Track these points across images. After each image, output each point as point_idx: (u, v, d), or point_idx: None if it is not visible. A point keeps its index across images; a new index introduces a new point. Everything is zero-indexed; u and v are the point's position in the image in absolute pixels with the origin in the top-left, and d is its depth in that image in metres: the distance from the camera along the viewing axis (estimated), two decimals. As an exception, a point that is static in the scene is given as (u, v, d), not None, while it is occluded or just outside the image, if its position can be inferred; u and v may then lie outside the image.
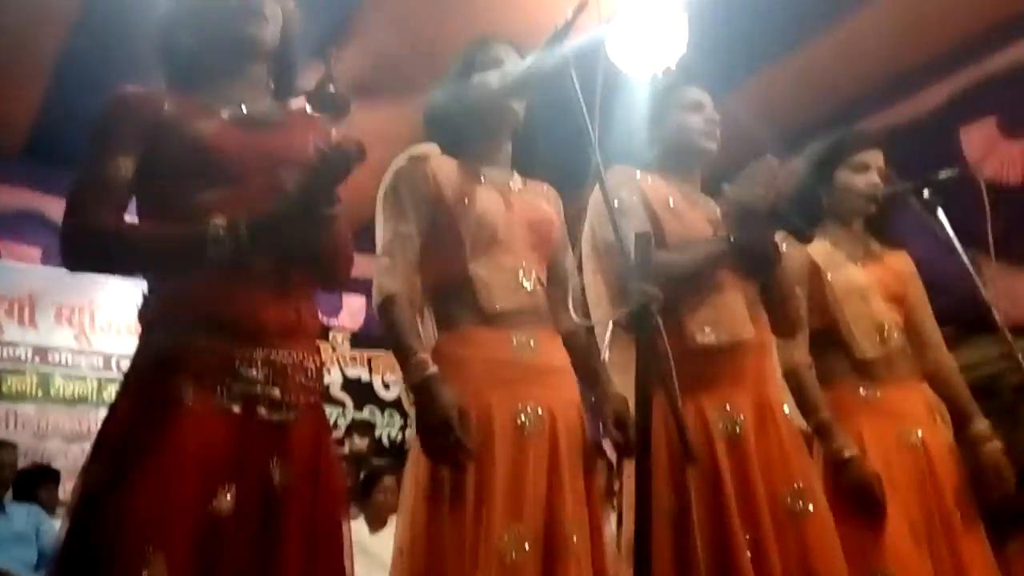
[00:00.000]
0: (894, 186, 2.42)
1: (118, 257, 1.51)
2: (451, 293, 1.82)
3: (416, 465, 1.74)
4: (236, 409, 1.43)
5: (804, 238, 2.00)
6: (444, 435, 1.61)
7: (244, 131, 1.57)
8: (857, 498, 2.11)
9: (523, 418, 1.72)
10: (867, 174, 2.40)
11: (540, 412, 1.74)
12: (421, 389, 1.66)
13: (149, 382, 1.43)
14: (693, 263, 1.94)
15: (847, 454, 2.13)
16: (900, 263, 2.47)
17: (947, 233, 2.28)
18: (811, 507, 1.84)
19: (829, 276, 2.32)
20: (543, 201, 2.00)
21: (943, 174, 2.34)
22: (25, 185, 5.44)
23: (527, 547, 1.60)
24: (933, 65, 4.70)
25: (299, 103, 1.76)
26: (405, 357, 1.70)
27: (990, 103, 4.51)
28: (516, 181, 1.98)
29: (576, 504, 1.70)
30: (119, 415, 1.43)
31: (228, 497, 1.38)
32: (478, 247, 1.82)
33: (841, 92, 4.83)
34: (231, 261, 1.42)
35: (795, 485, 1.85)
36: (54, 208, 5.44)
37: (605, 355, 1.53)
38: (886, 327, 2.32)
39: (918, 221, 2.38)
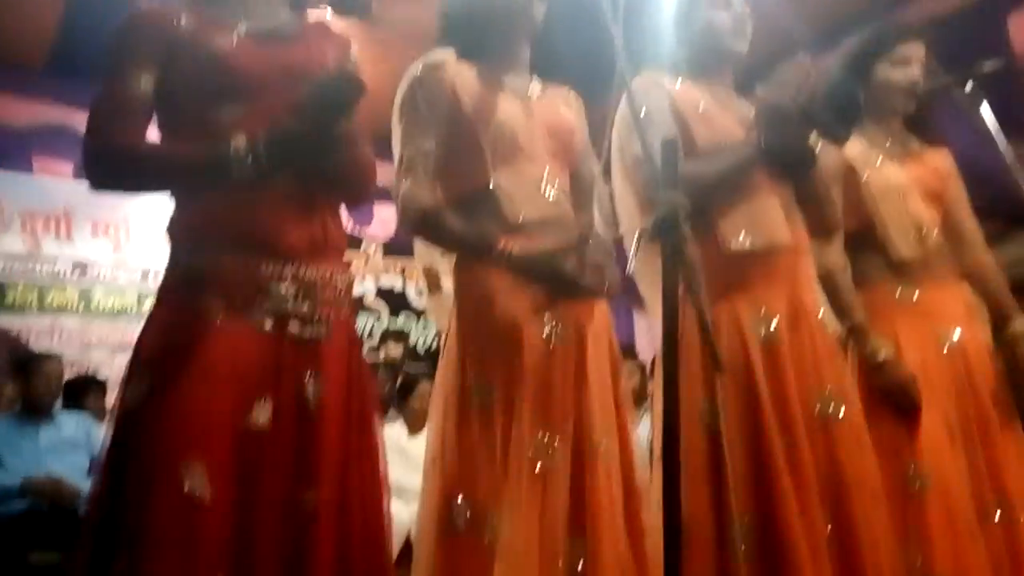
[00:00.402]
0: (936, 79, 2.32)
1: (139, 177, 1.51)
2: (473, 205, 1.79)
3: (445, 376, 1.76)
4: (267, 326, 1.45)
5: (839, 139, 1.93)
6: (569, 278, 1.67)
7: (262, 45, 1.55)
8: (892, 400, 2.10)
9: (550, 328, 1.72)
10: (907, 68, 2.30)
11: (567, 321, 1.74)
12: (524, 267, 1.69)
13: (180, 299, 1.46)
14: (720, 172, 1.89)
15: (881, 356, 2.12)
16: (939, 160, 2.40)
17: (990, 127, 2.19)
18: (843, 411, 1.83)
19: (865, 175, 2.26)
20: (564, 107, 1.95)
21: (987, 65, 2.24)
22: (53, 99, 5.42)
23: (556, 455, 1.63)
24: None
25: (316, 14, 1.72)
26: (488, 252, 1.72)
27: (1040, -12, 4.28)
28: (536, 87, 1.94)
29: (604, 411, 1.72)
30: (153, 331, 1.46)
31: (264, 411, 1.41)
32: (499, 157, 1.79)
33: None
34: (251, 180, 1.42)
35: (827, 389, 1.84)
36: (83, 122, 5.43)
37: (631, 267, 1.51)
38: (924, 226, 2.27)
39: (960, 114, 2.29)
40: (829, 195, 2.04)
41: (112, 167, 1.48)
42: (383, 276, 6.80)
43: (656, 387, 1.78)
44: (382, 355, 6.07)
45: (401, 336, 6.40)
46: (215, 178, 1.43)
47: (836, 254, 2.20)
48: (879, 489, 1.85)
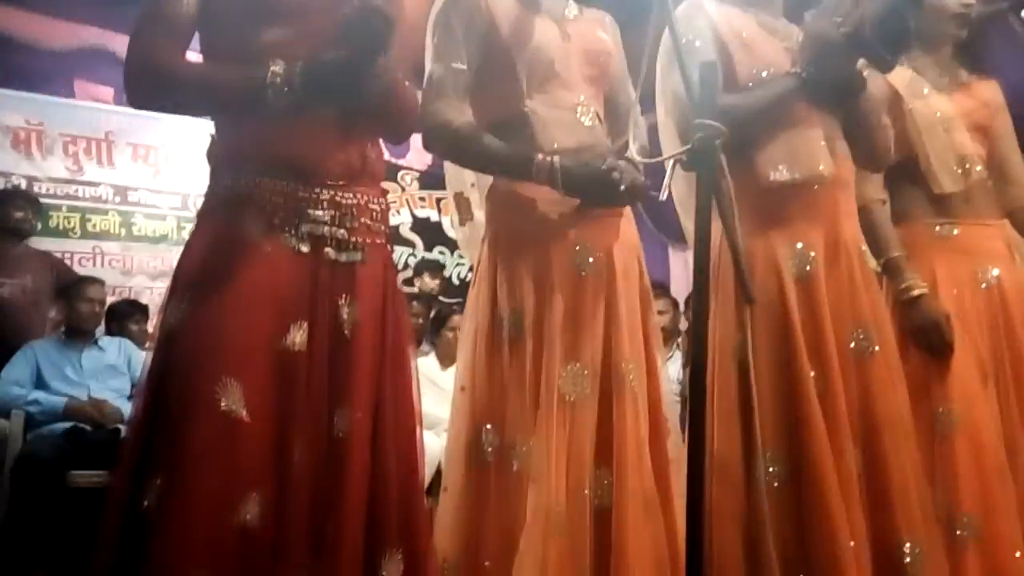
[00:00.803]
0: (990, 4, 2.23)
1: (178, 98, 1.50)
2: (507, 130, 1.76)
3: (476, 304, 1.76)
4: (304, 249, 1.46)
5: (886, 66, 1.87)
6: (605, 189, 1.65)
7: None
8: (924, 337, 2.08)
9: (580, 259, 1.71)
10: None
11: (599, 253, 1.73)
12: (564, 175, 1.66)
13: (219, 222, 1.47)
14: (761, 103, 1.85)
15: (916, 292, 2.09)
16: (989, 92, 2.32)
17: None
18: (877, 347, 1.82)
19: (910, 105, 2.20)
20: (601, 31, 1.91)
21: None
22: (93, 22, 5.42)
23: (585, 385, 1.63)
24: None
25: None
26: (526, 165, 1.68)
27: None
28: (572, 8, 1.89)
29: (633, 344, 1.72)
30: (192, 253, 1.47)
31: (300, 333, 1.43)
32: (534, 82, 1.76)
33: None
34: (288, 107, 1.41)
35: (863, 325, 1.82)
36: (123, 45, 5.41)
37: (665, 194, 1.48)
38: (968, 160, 2.21)
39: (1016, 43, 2.20)
40: (879, 123, 1.98)
41: (153, 87, 1.47)
42: (418, 207, 6.79)
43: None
44: (417, 287, 6.11)
45: (436, 268, 6.42)
46: (252, 103, 1.42)
47: (875, 186, 2.16)
48: (911, 427, 1.84)
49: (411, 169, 6.68)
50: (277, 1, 1.50)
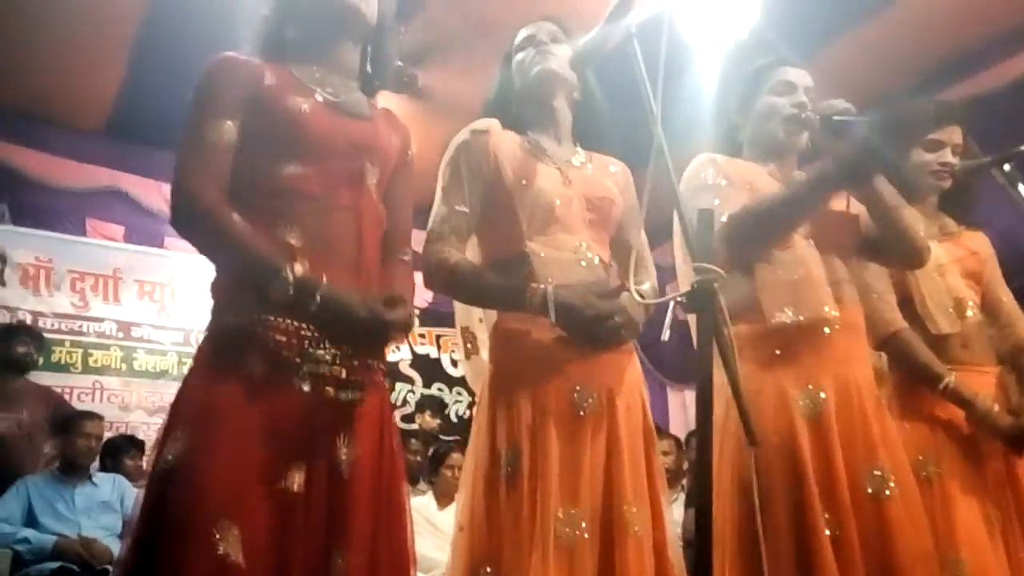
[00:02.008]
0: (974, 160, 2.32)
1: (210, 247, 1.53)
2: (508, 269, 1.81)
3: (476, 444, 1.76)
4: (305, 388, 1.46)
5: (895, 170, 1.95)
6: (597, 322, 1.67)
7: (334, 115, 1.62)
8: (1011, 442, 2.12)
9: (579, 399, 1.71)
10: (939, 152, 2.32)
11: (597, 393, 1.73)
12: (557, 304, 1.68)
13: (220, 358, 1.48)
14: (792, 196, 1.90)
15: (1002, 424, 2.12)
16: (977, 242, 2.40)
17: (1030, 207, 2.18)
18: (895, 489, 1.79)
19: None
20: (606, 177, 1.98)
21: (1024, 147, 2.24)
22: (108, 163, 5.61)
23: (584, 528, 1.60)
24: (1015, 32, 4.48)
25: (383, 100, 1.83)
26: (520, 294, 1.71)
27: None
28: (579, 156, 1.97)
29: (636, 486, 1.69)
30: (192, 389, 1.48)
31: (299, 475, 1.42)
32: (535, 224, 1.82)
33: (926, 59, 4.65)
34: (288, 306, 1.45)
35: (878, 466, 1.80)
36: (136, 187, 5.62)
37: (665, 335, 1.50)
38: (963, 303, 2.25)
39: (1001, 195, 2.28)
40: (908, 221, 2.00)
41: (194, 228, 1.52)
42: (418, 344, 6.82)
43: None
44: (417, 424, 6.06)
45: (436, 404, 6.39)
46: (263, 286, 1.45)
47: (896, 314, 2.18)
48: (935, 570, 1.80)
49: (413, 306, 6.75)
50: (304, 139, 1.56)
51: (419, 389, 6.69)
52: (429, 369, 6.79)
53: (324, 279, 1.47)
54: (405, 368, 6.68)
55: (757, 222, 1.87)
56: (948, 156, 2.32)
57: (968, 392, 2.13)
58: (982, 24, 4.49)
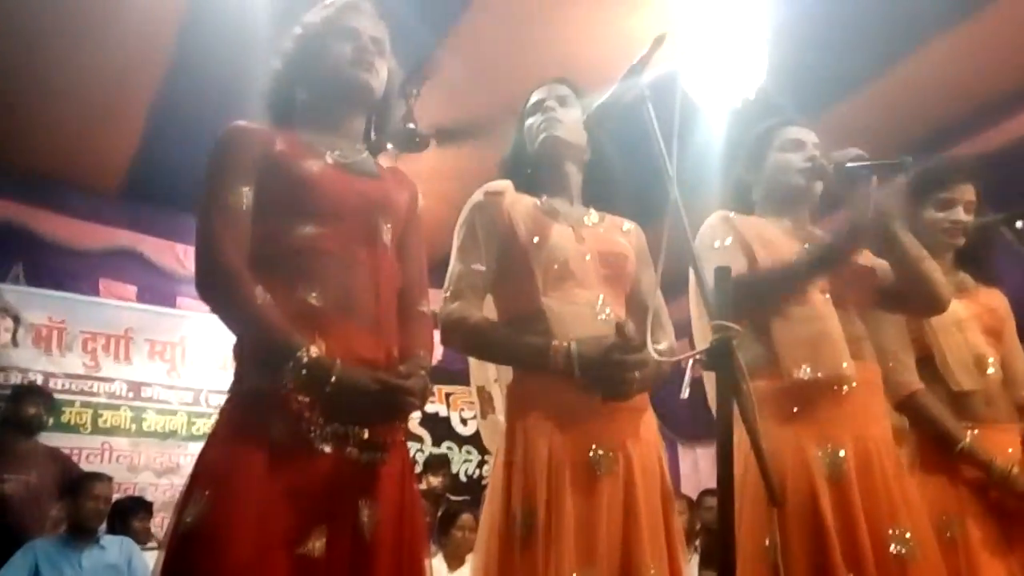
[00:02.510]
0: (985, 218, 2.34)
1: (230, 314, 1.53)
2: (525, 325, 1.82)
3: (491, 504, 1.74)
4: (327, 449, 1.45)
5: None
6: (619, 371, 1.67)
7: (346, 175, 1.65)
8: None
9: (595, 459, 1.70)
10: (952, 211, 2.34)
11: (613, 453, 1.72)
12: (581, 359, 1.69)
13: (243, 421, 1.47)
14: (797, 268, 1.92)
15: (1015, 472, 2.09)
16: (995, 300, 2.40)
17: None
18: (917, 550, 1.77)
19: None
20: (619, 235, 2.00)
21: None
22: (123, 225, 5.69)
23: None
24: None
25: (389, 159, 1.88)
26: (543, 352, 1.72)
27: (1091, 126, 4.32)
28: (592, 216, 2.00)
29: (654, 546, 1.67)
30: (214, 451, 1.47)
31: (320, 538, 1.41)
32: (550, 280, 1.83)
33: (932, 116, 4.70)
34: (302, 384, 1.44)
35: (899, 528, 1.78)
36: (151, 248, 5.68)
37: (685, 393, 1.50)
38: (984, 359, 2.23)
39: (1012, 254, 2.29)
40: (929, 265, 2.00)
41: (217, 298, 1.52)
42: (428, 402, 6.78)
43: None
44: (424, 484, 5.99)
45: (445, 464, 6.33)
46: (276, 361, 1.45)
47: (912, 374, 2.17)
48: None
49: (423, 365, 6.74)
50: (316, 200, 1.59)
51: (428, 448, 6.64)
52: (438, 428, 6.75)
53: (339, 349, 1.48)
54: (414, 427, 6.64)
55: (755, 291, 1.88)
56: (960, 214, 2.33)
57: (985, 455, 2.11)
58: (992, 82, 4.54)
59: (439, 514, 4.92)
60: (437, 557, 4.58)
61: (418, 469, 6.34)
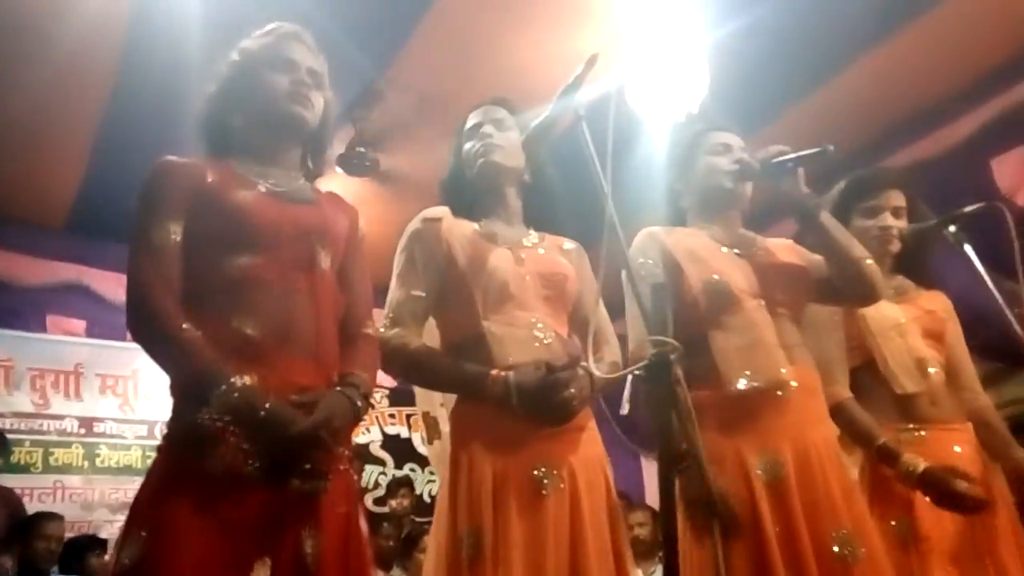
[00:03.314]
0: (920, 223, 2.40)
1: (161, 352, 1.52)
2: (467, 349, 1.83)
3: (438, 527, 1.74)
4: (267, 481, 1.44)
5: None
6: (551, 395, 1.69)
7: (280, 203, 1.65)
8: (951, 503, 2.07)
9: (540, 478, 1.71)
10: (879, 217, 2.40)
11: (557, 471, 1.73)
12: (519, 391, 1.70)
13: (180, 457, 1.46)
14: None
15: (921, 467, 2.09)
16: (936, 302, 2.43)
17: (976, 268, 2.24)
18: (862, 551, 1.78)
19: (861, 312, 2.29)
20: (560, 255, 2.01)
21: (968, 209, 2.32)
22: (70, 259, 5.59)
23: None
24: (962, 96, 4.67)
25: (327, 184, 1.86)
26: (481, 383, 1.74)
27: (1019, 132, 4.46)
28: (532, 237, 2.01)
29: (602, 561, 1.68)
30: (152, 488, 1.46)
31: (264, 571, 1.40)
32: (490, 304, 1.84)
33: (868, 128, 4.81)
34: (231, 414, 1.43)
35: (842, 530, 1.80)
36: (98, 280, 5.58)
37: (625, 408, 1.52)
38: (925, 362, 2.27)
39: (955, 256, 2.34)
40: (861, 253, 2.04)
41: (144, 335, 1.52)
42: (388, 425, 6.75)
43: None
44: (389, 507, 5.95)
45: (408, 485, 6.29)
46: (199, 394, 1.45)
47: (842, 386, 2.21)
48: None
49: (380, 386, 6.70)
50: (251, 230, 1.58)
51: (391, 470, 6.60)
52: (400, 450, 6.71)
53: (277, 378, 1.48)
54: (376, 450, 6.60)
55: None
56: (888, 220, 2.39)
57: (896, 449, 2.13)
58: (924, 92, 4.67)
59: (403, 537, 4.89)
60: (401, 580, 4.56)
61: (381, 492, 6.30)
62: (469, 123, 2.07)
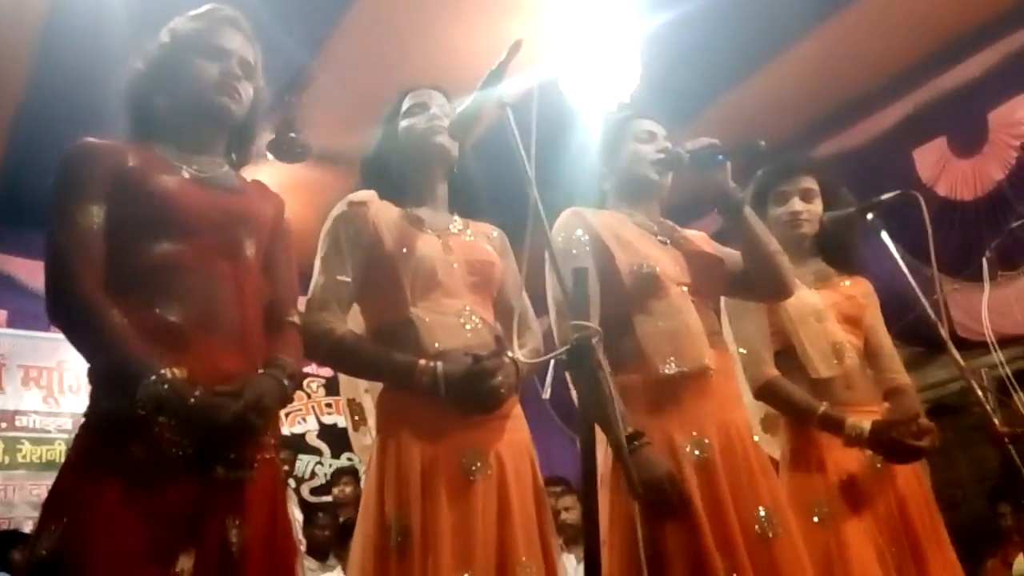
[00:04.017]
0: (839, 210, 2.46)
1: (82, 337, 1.49)
2: (394, 336, 1.82)
3: (365, 516, 1.74)
4: (191, 469, 1.42)
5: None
6: (479, 385, 1.69)
7: (204, 189, 1.62)
8: (902, 456, 2.16)
9: (467, 464, 1.72)
10: (787, 204, 2.46)
11: (485, 457, 1.74)
12: (447, 381, 1.70)
13: (99, 446, 1.43)
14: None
15: (867, 427, 2.15)
16: (856, 288, 2.49)
17: (892, 254, 2.31)
18: (780, 530, 1.84)
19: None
20: (485, 242, 2.01)
21: (885, 196, 2.39)
22: (-11, 246, 5.42)
23: None
24: (884, 89, 4.81)
25: (257, 170, 1.82)
26: (409, 372, 1.73)
27: (940, 124, 4.61)
28: (457, 223, 2.00)
29: (529, 545, 1.70)
30: (67, 480, 1.43)
31: (189, 561, 1.38)
32: (418, 290, 1.83)
33: (795, 119, 4.93)
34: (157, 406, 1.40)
35: (763, 508, 1.85)
36: (19, 269, 5.40)
37: (546, 393, 1.53)
38: (841, 347, 2.33)
39: (877, 243, 2.41)
40: (775, 248, 2.09)
41: (68, 318, 1.48)
42: (325, 414, 6.68)
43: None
44: (332, 495, 5.86)
45: (351, 474, 6.22)
46: (123, 383, 1.41)
47: (770, 366, 2.26)
48: None
49: (317, 376, 6.63)
50: (175, 216, 1.55)
51: (328, 460, 6.54)
52: (337, 439, 6.64)
53: (202, 365, 1.45)
54: (312, 439, 6.54)
55: None
56: (796, 204, 2.45)
57: (839, 415, 2.20)
58: (851, 83, 4.79)
59: (339, 526, 4.86)
60: (336, 570, 4.53)
61: (318, 482, 6.25)
62: (410, 102, 2.02)
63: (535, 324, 2.00)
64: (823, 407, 2.21)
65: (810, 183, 2.48)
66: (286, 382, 1.54)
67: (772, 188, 2.48)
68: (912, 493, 2.25)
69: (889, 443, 2.14)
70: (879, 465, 2.24)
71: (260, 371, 1.54)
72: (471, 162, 2.06)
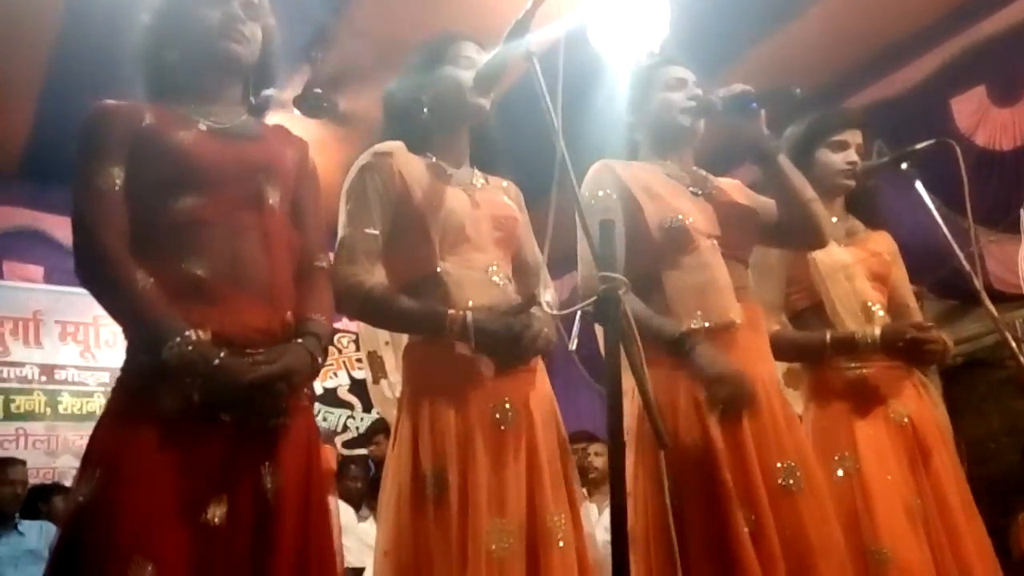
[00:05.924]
0: (873, 160, 2.42)
1: (110, 292, 1.52)
2: (422, 290, 1.81)
3: (398, 467, 1.76)
4: (226, 417, 1.44)
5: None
6: (515, 341, 1.69)
7: (222, 141, 1.62)
8: (917, 357, 2.22)
9: (499, 415, 1.73)
10: (845, 152, 2.41)
11: (517, 407, 1.75)
12: (476, 330, 1.70)
13: (136, 394, 1.46)
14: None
15: (877, 332, 2.19)
16: (882, 244, 2.47)
17: (927, 205, 2.27)
18: (804, 484, 1.84)
19: (812, 255, 2.32)
20: (505, 196, 2.00)
21: (920, 146, 2.34)
22: (24, 204, 5.48)
23: (511, 540, 1.62)
24: (921, 36, 4.67)
25: (284, 117, 1.81)
26: (439, 321, 1.72)
27: (979, 72, 4.48)
28: (478, 177, 1.99)
29: (557, 496, 1.72)
30: (106, 428, 1.46)
31: (221, 508, 1.41)
32: (447, 244, 1.82)
33: (829, 68, 4.81)
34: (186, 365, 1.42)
35: (787, 461, 1.85)
36: (54, 225, 5.48)
37: (573, 345, 1.53)
38: (871, 305, 2.32)
39: (905, 194, 2.37)
40: (811, 196, 2.08)
41: (95, 282, 1.52)
42: (356, 369, 6.75)
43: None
44: (368, 450, 5.93)
45: (385, 431, 6.27)
46: (150, 344, 1.44)
47: (772, 320, 2.25)
48: (845, 557, 1.85)
49: (347, 331, 6.68)
50: (194, 170, 1.56)
51: (359, 414, 6.62)
52: (368, 394, 6.71)
53: (230, 321, 1.47)
54: (344, 394, 6.62)
55: None
56: (853, 155, 2.41)
57: (846, 332, 2.22)
58: (883, 33, 4.66)
59: (370, 478, 4.94)
60: (368, 520, 4.61)
61: (350, 436, 6.33)
62: (459, 51, 1.95)
63: (550, 280, 1.97)
64: (829, 333, 2.21)
65: (860, 137, 2.45)
66: (320, 358, 1.56)
67: (830, 134, 2.43)
68: (937, 449, 2.25)
69: (904, 344, 2.16)
70: (906, 420, 2.23)
71: (297, 341, 1.54)
72: (492, 116, 2.03)
